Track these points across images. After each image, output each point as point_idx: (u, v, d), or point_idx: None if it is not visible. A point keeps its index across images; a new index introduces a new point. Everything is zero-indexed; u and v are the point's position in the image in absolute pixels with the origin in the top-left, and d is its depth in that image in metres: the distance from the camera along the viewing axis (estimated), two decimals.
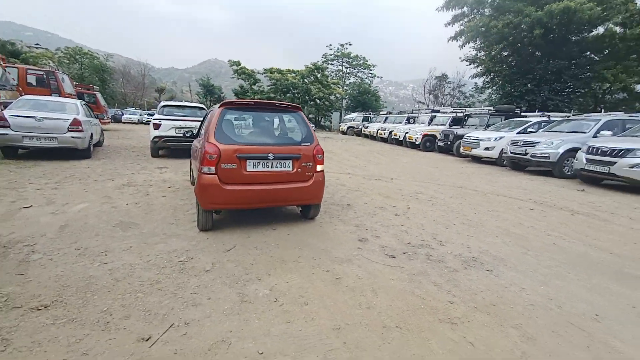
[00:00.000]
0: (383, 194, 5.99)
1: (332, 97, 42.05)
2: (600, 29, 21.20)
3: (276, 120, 4.68)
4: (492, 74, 26.90)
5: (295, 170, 3.69)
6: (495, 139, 11.10)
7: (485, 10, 24.59)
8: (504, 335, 2.08)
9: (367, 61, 46.57)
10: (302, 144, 3.84)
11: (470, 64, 27.92)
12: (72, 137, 7.34)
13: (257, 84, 42.02)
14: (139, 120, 33.47)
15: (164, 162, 8.42)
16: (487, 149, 11.22)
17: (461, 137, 12.97)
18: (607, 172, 6.88)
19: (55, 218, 3.81)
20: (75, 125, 7.39)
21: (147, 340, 1.89)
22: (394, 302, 2.43)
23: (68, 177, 5.98)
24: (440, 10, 26.77)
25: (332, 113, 45.27)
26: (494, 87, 27.51)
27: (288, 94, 41.01)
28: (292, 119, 4.26)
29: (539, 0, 20.95)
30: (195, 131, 6.10)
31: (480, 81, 28.48)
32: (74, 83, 16.42)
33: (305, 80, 40.50)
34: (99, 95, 18.28)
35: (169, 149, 9.25)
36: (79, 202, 4.50)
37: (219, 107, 3.69)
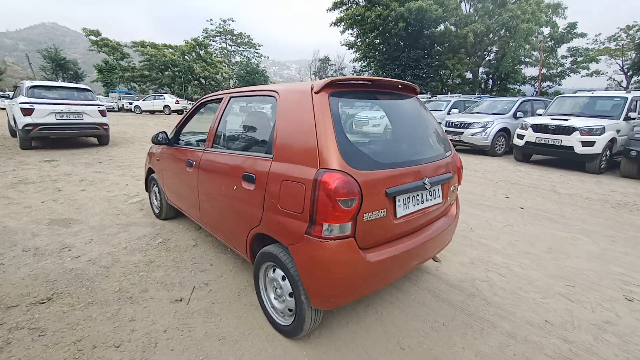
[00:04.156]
0: None
1: (218, 76, 39.87)
2: (442, 27, 26.56)
3: (403, 113, 2.36)
4: (368, 59, 30.44)
5: (443, 200, 2.17)
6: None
7: (361, 0, 27.32)
8: None
9: (252, 39, 45.50)
10: (447, 154, 2.28)
11: (349, 49, 30.84)
12: None
13: (125, 59, 36.07)
14: None
15: (46, 154, 7.04)
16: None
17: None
18: (458, 140, 9.39)
19: None
20: None
21: (181, 300, 2.19)
22: None
23: None
24: None
25: None
26: (370, 71, 31.27)
27: (167, 72, 36.81)
28: (412, 107, 2.30)
29: None
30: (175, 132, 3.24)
31: (358, 65, 31.85)
32: None
33: (187, 57, 36.99)
34: None
35: (47, 138, 7.70)
36: None
37: (318, 92, 1.70)
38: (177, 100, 24.28)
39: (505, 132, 9.16)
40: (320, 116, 1.61)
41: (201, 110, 3.07)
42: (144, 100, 25.14)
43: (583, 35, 24.94)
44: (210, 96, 2.86)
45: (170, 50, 36.78)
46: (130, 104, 26.51)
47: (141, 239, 3.09)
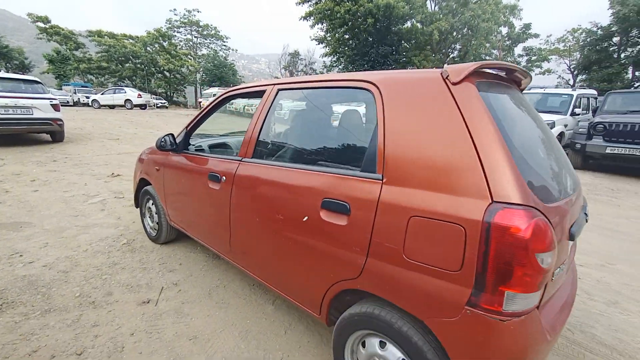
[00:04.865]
0: None
1: (184, 69, 38.29)
2: (409, 24, 27.23)
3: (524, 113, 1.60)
4: (337, 54, 30.56)
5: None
6: None
7: None
8: None
9: (218, 32, 44.03)
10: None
11: (319, 44, 30.79)
12: None
13: (80, 50, 33.63)
14: None
15: None
16: None
17: None
18: None
19: None
20: None
21: (149, 302, 2.12)
22: None
23: None
24: None
25: (185, 87, 41.40)
26: (340, 67, 31.46)
27: (128, 64, 34.77)
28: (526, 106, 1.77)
29: None
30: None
31: (328, 60, 31.91)
32: None
33: (149, 48, 35.13)
34: None
35: None
36: None
37: (458, 82, 1.15)
38: (139, 95, 23.02)
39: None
40: (474, 118, 1.07)
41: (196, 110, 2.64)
42: (102, 94, 23.59)
43: (536, 35, 26.69)
44: (240, 89, 2.18)
45: (131, 41, 34.69)
46: (87, 97, 24.78)
47: (103, 241, 2.93)
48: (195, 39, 44.14)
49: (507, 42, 26.76)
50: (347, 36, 28.63)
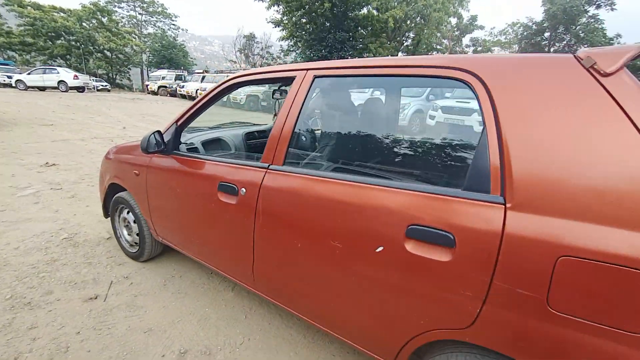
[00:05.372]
0: None
1: (127, 49, 35.05)
2: (365, 10, 27.42)
3: None
4: (295, 38, 29.94)
5: None
6: None
7: None
8: None
9: (166, 9, 40.77)
10: None
11: (275, 27, 29.87)
12: None
13: None
14: None
15: None
16: None
17: None
18: None
19: None
20: None
21: (96, 298, 1.98)
22: None
23: None
24: None
25: (129, 69, 38.02)
26: (298, 51, 30.93)
27: (59, 41, 30.95)
28: None
29: None
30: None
31: (285, 44, 31.17)
32: None
33: (85, 24, 31.52)
34: None
35: None
36: None
37: (612, 72, 0.85)
38: (75, 76, 20.65)
39: (419, 113, 10.11)
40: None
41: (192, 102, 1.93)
42: (29, 73, 20.78)
43: (482, 27, 28.42)
44: (254, 74, 1.70)
45: (62, 14, 30.77)
46: (10, 77, 21.69)
47: (39, 237, 2.65)
48: (139, 16, 40.43)
49: (456, 33, 28.18)
50: (304, 20, 28.13)
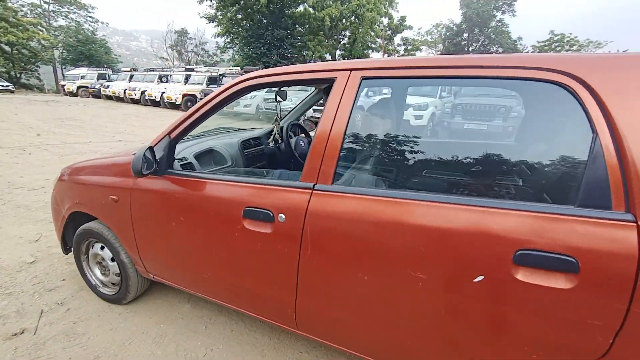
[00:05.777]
0: None
1: (33, 43, 30.43)
2: (302, 8, 27.56)
3: None
4: (231, 35, 28.91)
5: None
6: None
7: None
8: None
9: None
10: None
11: (209, 22, 28.49)
12: None
13: None
14: None
15: None
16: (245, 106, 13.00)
17: None
18: None
19: None
20: None
21: (23, 333, 1.73)
22: None
23: None
24: None
25: (39, 67, 33.11)
26: (235, 48, 29.92)
27: None
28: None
29: None
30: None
31: (221, 41, 29.93)
32: None
33: None
34: None
35: None
36: None
37: None
38: None
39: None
40: None
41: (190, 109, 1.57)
42: None
43: (410, 27, 30.53)
44: (278, 74, 1.42)
45: None
46: None
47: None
48: (46, 5, 35.30)
49: (388, 32, 29.85)
50: (240, 16, 27.29)
